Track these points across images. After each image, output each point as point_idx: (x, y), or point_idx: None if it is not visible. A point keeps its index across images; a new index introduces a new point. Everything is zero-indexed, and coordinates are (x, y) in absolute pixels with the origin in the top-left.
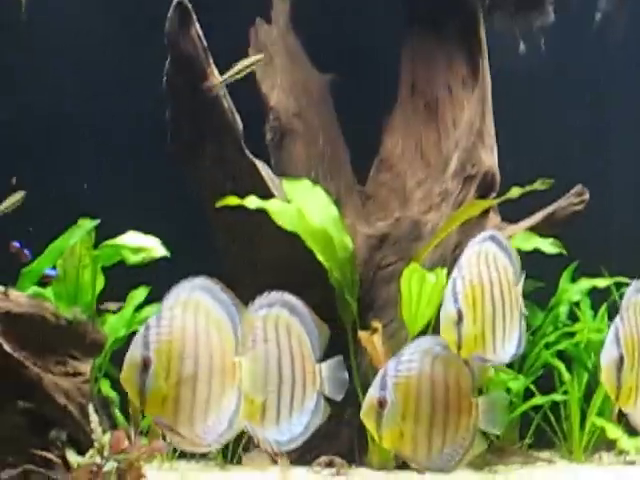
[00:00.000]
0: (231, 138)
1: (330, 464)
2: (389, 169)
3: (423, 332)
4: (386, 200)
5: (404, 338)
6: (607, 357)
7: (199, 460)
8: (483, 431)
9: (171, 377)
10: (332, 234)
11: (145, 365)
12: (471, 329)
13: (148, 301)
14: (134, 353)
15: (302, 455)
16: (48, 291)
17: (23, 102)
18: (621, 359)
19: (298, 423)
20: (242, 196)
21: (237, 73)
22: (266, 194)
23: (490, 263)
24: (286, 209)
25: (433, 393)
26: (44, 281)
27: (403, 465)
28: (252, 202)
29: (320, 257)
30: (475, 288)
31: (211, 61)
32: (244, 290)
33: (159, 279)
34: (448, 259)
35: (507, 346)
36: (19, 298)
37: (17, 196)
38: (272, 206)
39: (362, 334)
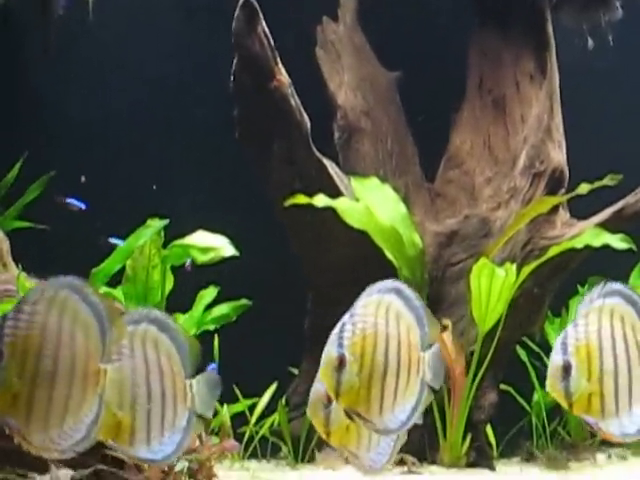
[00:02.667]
0: (299, 137)
1: (401, 462)
2: (457, 166)
3: (494, 328)
4: (455, 197)
5: (474, 336)
6: (551, 365)
7: (270, 460)
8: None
9: (25, 375)
10: (401, 232)
11: None
12: (354, 380)
13: (218, 301)
14: None
15: None
16: (118, 291)
17: (93, 102)
18: (567, 367)
19: (170, 442)
20: (310, 195)
21: None
22: (334, 192)
23: (390, 318)
24: (354, 207)
25: (387, 348)
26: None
27: (474, 463)
28: (320, 201)
29: (389, 255)
30: (367, 338)
31: (278, 60)
32: (314, 288)
33: (229, 279)
34: (518, 256)
35: (397, 413)
36: None
37: None
38: (340, 204)
39: None
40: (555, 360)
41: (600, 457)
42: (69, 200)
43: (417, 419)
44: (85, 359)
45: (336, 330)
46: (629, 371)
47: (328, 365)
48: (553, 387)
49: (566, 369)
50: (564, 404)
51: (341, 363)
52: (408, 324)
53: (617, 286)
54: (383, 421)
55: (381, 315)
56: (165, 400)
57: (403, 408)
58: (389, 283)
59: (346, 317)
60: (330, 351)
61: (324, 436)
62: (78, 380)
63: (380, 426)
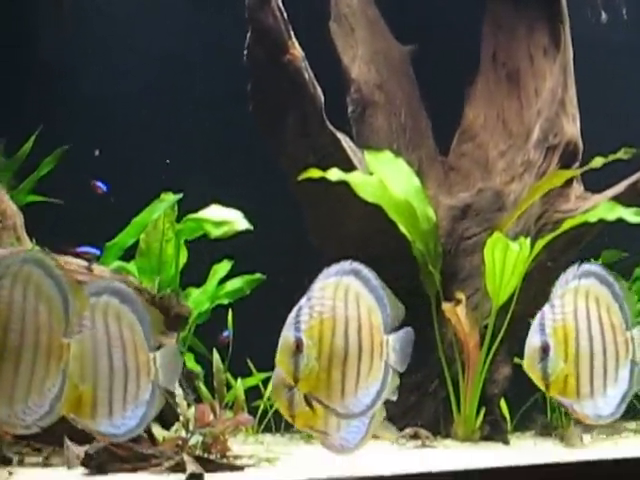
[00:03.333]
0: (313, 110)
1: (415, 436)
2: (471, 140)
3: (508, 302)
4: (468, 171)
5: (488, 309)
6: (528, 345)
7: (284, 434)
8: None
9: None
10: (414, 205)
11: None
12: (313, 364)
13: (232, 275)
14: None
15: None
16: (131, 265)
17: (108, 75)
18: (545, 348)
19: (133, 416)
20: (324, 168)
21: None
22: (348, 166)
23: (350, 300)
24: (368, 181)
25: (347, 331)
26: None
27: (488, 437)
28: (334, 174)
29: (403, 229)
30: (325, 322)
31: (292, 33)
32: (329, 260)
33: (243, 252)
34: (532, 230)
35: (360, 397)
36: (103, 273)
37: None
38: (354, 178)
39: (446, 306)
40: (533, 341)
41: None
42: (99, 184)
43: (390, 397)
44: (49, 333)
45: (293, 314)
46: (604, 353)
47: (285, 350)
48: (531, 368)
49: (544, 350)
50: (541, 385)
51: (298, 347)
52: (368, 306)
53: (592, 267)
54: (345, 405)
55: (340, 297)
56: (128, 373)
57: (367, 392)
58: (347, 265)
59: (303, 300)
60: (287, 335)
61: (289, 420)
62: (42, 355)
63: (342, 411)
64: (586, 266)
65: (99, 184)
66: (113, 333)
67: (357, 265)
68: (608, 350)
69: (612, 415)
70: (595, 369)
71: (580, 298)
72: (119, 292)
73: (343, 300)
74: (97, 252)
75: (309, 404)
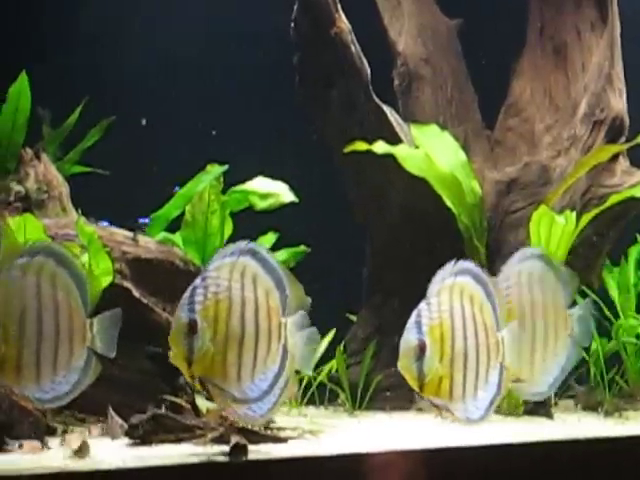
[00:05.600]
0: (359, 83)
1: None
2: (517, 114)
3: None
4: (514, 145)
5: None
6: (405, 343)
7: (327, 406)
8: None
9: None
10: (460, 179)
11: None
12: (208, 346)
13: (277, 247)
14: None
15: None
16: (177, 237)
17: (154, 47)
18: (422, 347)
19: (64, 382)
20: (370, 141)
21: None
22: (394, 139)
23: (247, 282)
24: (414, 154)
25: (243, 313)
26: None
27: (532, 411)
28: (380, 147)
29: (448, 202)
30: (220, 303)
31: (339, 6)
32: (374, 234)
33: (288, 225)
34: (578, 204)
35: (257, 381)
36: (148, 244)
37: None
38: (400, 151)
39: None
40: (409, 339)
41: None
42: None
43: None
44: (69, 317)
45: (187, 294)
46: (477, 354)
47: (178, 331)
48: (406, 367)
49: (421, 349)
50: (415, 385)
51: (192, 329)
52: (266, 287)
53: (468, 265)
54: (242, 390)
55: (236, 278)
56: (59, 337)
57: (264, 376)
58: (243, 244)
59: (197, 280)
60: (180, 317)
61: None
62: (64, 336)
63: (239, 395)
64: (462, 263)
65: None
66: (45, 295)
67: (254, 245)
68: (480, 351)
69: (481, 419)
70: (468, 370)
71: (456, 296)
72: (55, 254)
73: (239, 281)
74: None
75: (204, 388)
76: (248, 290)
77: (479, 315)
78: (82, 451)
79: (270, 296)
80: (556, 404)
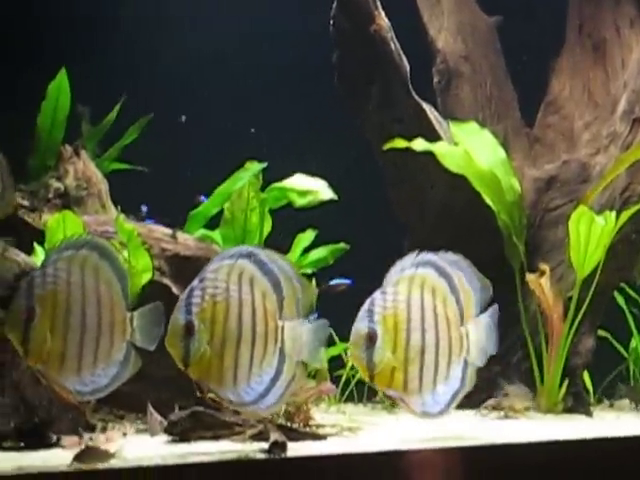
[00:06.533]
0: (398, 80)
1: (498, 407)
2: (557, 111)
3: (592, 274)
4: (553, 142)
5: (572, 281)
6: (355, 332)
7: (366, 404)
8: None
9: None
10: (500, 177)
11: None
12: (205, 348)
13: (316, 244)
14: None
15: (470, 397)
16: (216, 234)
17: (193, 46)
18: (372, 336)
19: (104, 375)
20: (409, 138)
21: None
22: (433, 137)
23: (244, 284)
24: (453, 151)
25: (240, 315)
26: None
27: (571, 409)
28: (419, 144)
29: (488, 200)
30: (217, 305)
31: (378, 3)
32: (413, 231)
33: (327, 222)
34: (617, 202)
35: (253, 384)
36: (187, 241)
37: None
38: (439, 148)
39: (530, 277)
40: (359, 327)
41: None
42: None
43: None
44: (112, 310)
45: (183, 296)
46: (436, 347)
47: (174, 333)
48: (355, 356)
49: (371, 338)
50: (365, 375)
51: (189, 331)
52: (263, 290)
53: (431, 256)
54: (238, 393)
55: (233, 281)
56: (101, 330)
57: (260, 379)
58: (243, 248)
59: (195, 282)
60: (177, 318)
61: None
62: (106, 329)
63: (234, 399)
64: (425, 255)
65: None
66: (88, 287)
67: (254, 248)
68: (441, 345)
69: (440, 413)
70: (426, 364)
71: (415, 287)
72: (99, 247)
73: (237, 283)
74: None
75: (201, 390)
76: (245, 293)
77: (441, 308)
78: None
79: (267, 299)
80: (612, 405)
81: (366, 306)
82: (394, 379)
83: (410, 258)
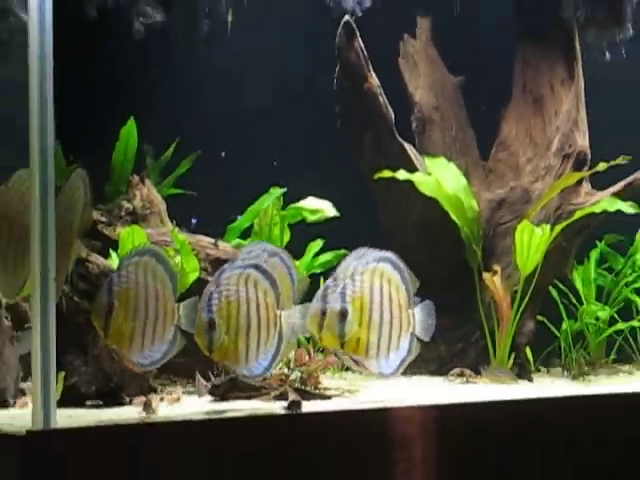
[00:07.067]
0: (386, 126)
1: (461, 374)
2: (505, 149)
3: (532, 273)
4: (503, 173)
5: (517, 278)
6: (330, 309)
7: (362, 372)
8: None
9: (129, 316)
10: (462, 199)
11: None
12: (223, 338)
13: (323, 250)
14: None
15: (440, 367)
16: (248, 242)
17: (230, 97)
18: (344, 312)
19: (158, 350)
20: (394, 170)
21: None
22: (412, 169)
23: (249, 286)
24: (427, 180)
25: (248, 310)
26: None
27: (517, 375)
28: (401, 175)
29: (453, 217)
30: (231, 304)
31: (371, 67)
32: (395, 241)
33: (332, 234)
34: (551, 218)
35: (260, 360)
36: (226, 248)
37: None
38: (417, 178)
39: (486, 275)
40: (334, 306)
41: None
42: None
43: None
44: (164, 303)
45: (205, 298)
46: (390, 323)
47: (200, 328)
48: (329, 327)
49: (343, 314)
50: (337, 342)
51: (211, 326)
52: (264, 289)
53: (388, 254)
54: (249, 368)
55: (242, 284)
56: (157, 318)
57: (265, 356)
58: (247, 262)
59: (212, 287)
60: (202, 317)
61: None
62: (160, 318)
63: (247, 373)
64: (385, 253)
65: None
66: (150, 286)
67: (256, 262)
68: (394, 322)
69: (392, 374)
70: (382, 336)
71: (376, 277)
72: (156, 254)
73: (244, 286)
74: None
75: (225, 369)
76: (251, 292)
77: (395, 294)
78: (155, 410)
79: (267, 295)
80: (548, 372)
81: (339, 289)
82: (358, 346)
83: (373, 254)
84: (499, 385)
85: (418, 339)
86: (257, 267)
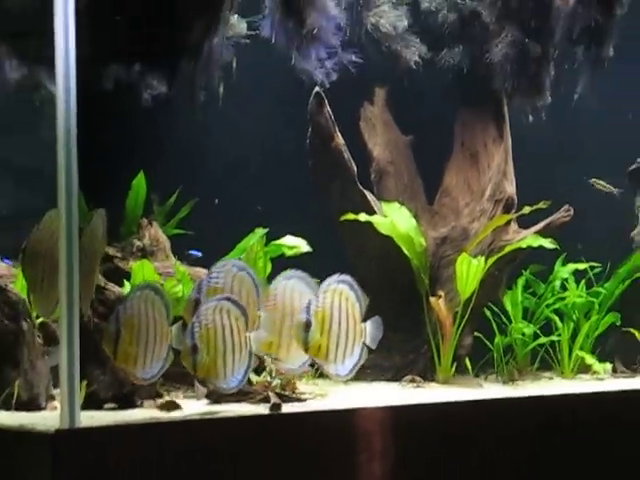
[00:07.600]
0: (350, 177)
1: (412, 381)
2: (448, 195)
3: (470, 297)
4: (446, 215)
5: (458, 301)
6: (296, 321)
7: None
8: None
9: (133, 339)
10: (413, 237)
11: None
12: (205, 358)
13: None
14: None
15: (395, 375)
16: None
17: (221, 147)
18: (308, 323)
19: (155, 367)
20: (357, 213)
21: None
22: (371, 212)
23: (224, 313)
24: (384, 221)
25: (223, 334)
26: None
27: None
28: (363, 217)
29: (405, 251)
30: (209, 330)
31: (337, 129)
32: (359, 271)
33: (306, 265)
34: (485, 251)
35: (236, 374)
36: None
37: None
38: (375, 219)
39: (432, 299)
40: (300, 318)
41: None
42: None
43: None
44: (161, 327)
45: (189, 327)
46: (346, 334)
47: (186, 352)
48: (296, 335)
49: (307, 325)
50: (302, 348)
51: (194, 350)
52: (235, 316)
53: (346, 277)
54: (227, 382)
55: (217, 313)
56: (156, 339)
57: (239, 371)
58: (224, 296)
59: (194, 318)
60: (186, 342)
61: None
62: (158, 340)
63: (225, 386)
64: (343, 276)
65: (193, 252)
66: (149, 315)
67: (231, 297)
68: (349, 333)
69: (346, 376)
70: (339, 344)
71: (336, 296)
72: (155, 288)
73: (220, 315)
74: (199, 254)
75: (204, 385)
76: (225, 320)
77: (351, 310)
78: (169, 407)
79: (239, 321)
80: (486, 378)
81: (305, 304)
82: (320, 352)
83: (334, 277)
84: (466, 389)
85: (368, 348)
86: (229, 299)
